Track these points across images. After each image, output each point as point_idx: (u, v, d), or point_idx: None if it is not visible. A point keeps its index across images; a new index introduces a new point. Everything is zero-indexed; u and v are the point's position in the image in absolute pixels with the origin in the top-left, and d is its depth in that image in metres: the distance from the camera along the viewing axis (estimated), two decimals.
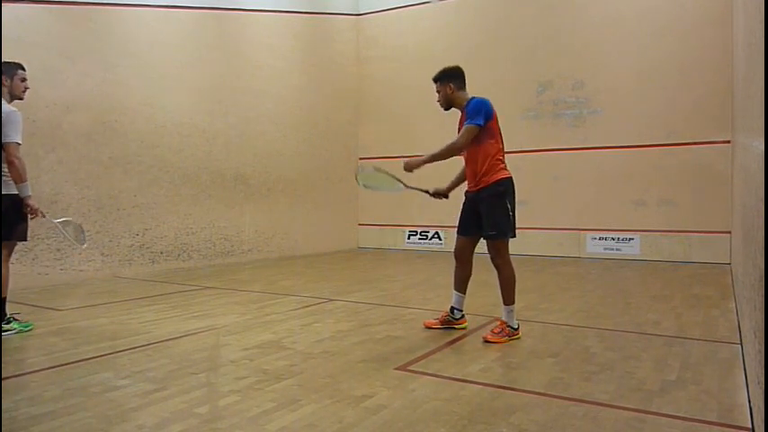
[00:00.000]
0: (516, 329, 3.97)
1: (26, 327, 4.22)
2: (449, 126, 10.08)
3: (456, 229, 4.23)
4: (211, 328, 4.32)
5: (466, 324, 4.31)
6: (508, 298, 3.97)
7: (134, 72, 7.72)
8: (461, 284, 4.24)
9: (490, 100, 4.00)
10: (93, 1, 7.25)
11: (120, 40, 7.54)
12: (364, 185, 4.53)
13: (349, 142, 11.87)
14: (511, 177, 3.99)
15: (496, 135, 3.99)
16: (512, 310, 3.97)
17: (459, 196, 4.23)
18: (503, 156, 4.05)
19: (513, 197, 3.99)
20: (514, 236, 3.98)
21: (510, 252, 3.98)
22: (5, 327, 4.06)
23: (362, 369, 3.24)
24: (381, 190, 4.60)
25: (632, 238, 9.47)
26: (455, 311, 4.28)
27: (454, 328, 4.25)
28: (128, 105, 7.63)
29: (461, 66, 4.16)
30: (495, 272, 3.98)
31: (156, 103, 7.99)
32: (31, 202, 4.02)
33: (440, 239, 11.09)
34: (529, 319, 4.63)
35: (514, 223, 3.98)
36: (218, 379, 3.08)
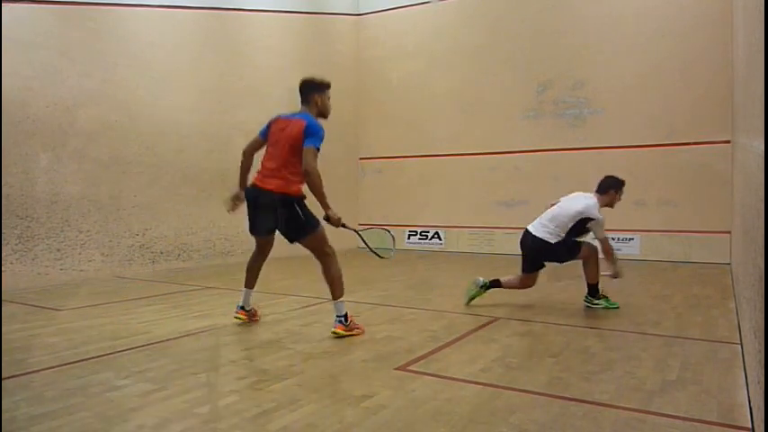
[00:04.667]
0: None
1: (613, 305, 4.97)
2: (448, 126, 10.14)
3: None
4: (211, 328, 4.32)
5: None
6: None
7: (134, 72, 7.72)
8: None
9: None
10: (93, 1, 7.25)
11: (120, 40, 7.54)
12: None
13: (349, 142, 11.86)
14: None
15: None
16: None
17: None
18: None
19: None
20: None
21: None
22: (595, 301, 5.03)
23: (362, 369, 3.24)
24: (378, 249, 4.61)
25: (632, 238, 9.46)
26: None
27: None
28: (128, 105, 7.63)
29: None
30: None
31: (157, 102, 7.99)
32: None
33: (440, 239, 11.08)
34: (529, 319, 4.63)
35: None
36: (218, 379, 3.08)
